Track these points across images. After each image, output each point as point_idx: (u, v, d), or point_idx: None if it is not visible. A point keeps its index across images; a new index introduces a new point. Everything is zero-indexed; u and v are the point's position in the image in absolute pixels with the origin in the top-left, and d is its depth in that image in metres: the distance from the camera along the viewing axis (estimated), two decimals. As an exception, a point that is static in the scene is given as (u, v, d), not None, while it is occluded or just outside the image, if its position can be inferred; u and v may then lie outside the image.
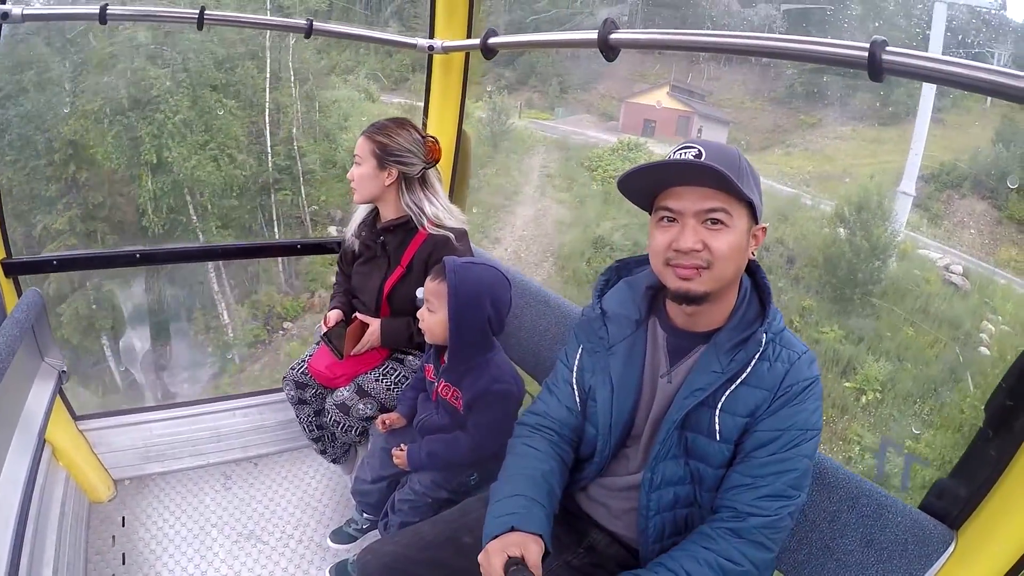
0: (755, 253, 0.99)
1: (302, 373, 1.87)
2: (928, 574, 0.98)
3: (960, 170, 16.51)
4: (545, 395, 1.18)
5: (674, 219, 0.95)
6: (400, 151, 1.68)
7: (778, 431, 0.95)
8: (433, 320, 1.39)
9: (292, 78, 16.74)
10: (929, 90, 14.70)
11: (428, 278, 1.42)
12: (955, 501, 1.01)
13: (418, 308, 1.67)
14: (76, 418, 1.94)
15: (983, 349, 12.89)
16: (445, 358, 1.43)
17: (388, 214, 1.77)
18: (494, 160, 21.64)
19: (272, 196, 16.09)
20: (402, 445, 1.48)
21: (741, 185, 0.90)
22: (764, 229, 0.98)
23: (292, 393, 1.88)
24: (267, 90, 16.16)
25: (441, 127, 2.20)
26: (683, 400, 0.99)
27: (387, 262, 1.77)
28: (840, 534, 1.09)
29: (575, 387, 1.13)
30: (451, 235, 1.69)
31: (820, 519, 1.12)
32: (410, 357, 1.84)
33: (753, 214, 0.95)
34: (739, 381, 0.97)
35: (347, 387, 1.76)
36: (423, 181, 1.73)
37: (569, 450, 1.13)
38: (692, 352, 1.03)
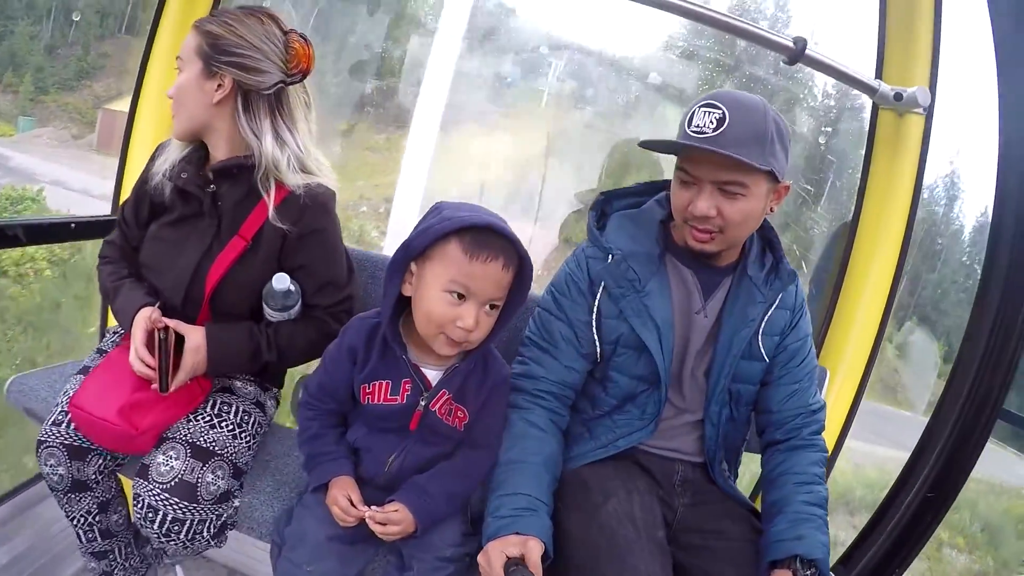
0: (775, 208, 1.00)
1: (73, 430, 0.99)
2: (822, 395, 1.45)
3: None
4: (538, 355, 1.08)
5: (692, 181, 0.97)
6: (241, 48, 1.02)
7: (800, 339, 1.11)
8: (488, 323, 0.92)
9: None
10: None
11: (483, 260, 0.86)
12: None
13: (269, 309, 1.07)
14: None
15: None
16: (424, 369, 0.97)
17: (221, 151, 1.05)
18: None
19: None
20: (372, 509, 0.93)
21: (763, 154, 0.92)
22: (787, 187, 1.00)
23: (62, 471, 0.99)
24: None
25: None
26: (741, 332, 1.05)
27: (216, 228, 1.05)
28: None
29: (597, 336, 1.06)
30: (327, 193, 1.11)
31: None
32: (238, 383, 1.13)
33: (775, 175, 0.96)
34: (774, 306, 1.08)
35: (167, 449, 0.95)
36: (277, 102, 1.07)
37: (567, 414, 1.09)
38: (719, 286, 1.09)
